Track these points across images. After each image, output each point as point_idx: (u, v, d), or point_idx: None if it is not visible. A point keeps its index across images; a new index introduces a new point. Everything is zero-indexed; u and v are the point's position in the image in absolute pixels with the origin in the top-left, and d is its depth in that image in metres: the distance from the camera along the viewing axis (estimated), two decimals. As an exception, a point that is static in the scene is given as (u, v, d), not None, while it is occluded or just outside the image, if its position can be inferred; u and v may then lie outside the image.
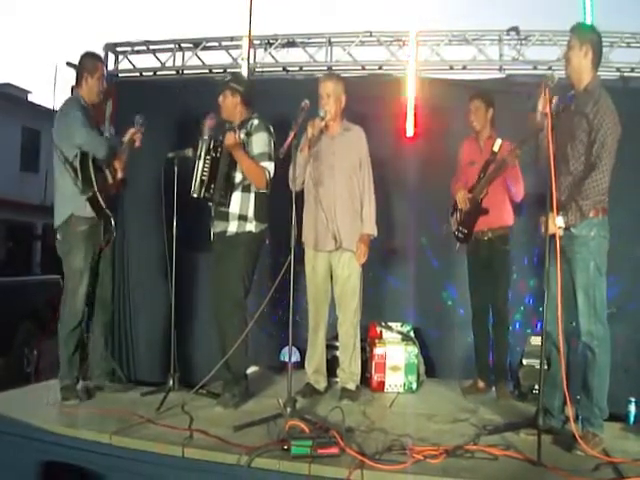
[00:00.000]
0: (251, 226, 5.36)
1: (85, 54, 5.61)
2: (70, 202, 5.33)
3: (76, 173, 5.26)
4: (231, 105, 5.50)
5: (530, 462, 3.86)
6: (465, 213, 5.81)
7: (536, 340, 5.67)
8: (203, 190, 5.30)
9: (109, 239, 5.56)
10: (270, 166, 5.34)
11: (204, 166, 5.31)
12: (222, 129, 5.45)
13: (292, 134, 4.82)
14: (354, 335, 5.67)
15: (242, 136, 5.40)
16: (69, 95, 5.69)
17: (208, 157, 5.31)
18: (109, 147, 5.42)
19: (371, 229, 5.61)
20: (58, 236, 5.43)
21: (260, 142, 5.37)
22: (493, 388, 5.83)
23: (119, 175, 5.60)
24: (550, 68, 6.47)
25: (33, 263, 13.52)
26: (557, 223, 4.22)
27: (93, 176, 5.29)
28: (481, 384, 5.92)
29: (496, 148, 5.58)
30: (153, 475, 4.04)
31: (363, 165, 5.61)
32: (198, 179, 5.32)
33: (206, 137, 5.33)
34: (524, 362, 5.78)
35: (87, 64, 5.57)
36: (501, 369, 5.81)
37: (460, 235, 5.88)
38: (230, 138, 5.28)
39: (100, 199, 5.34)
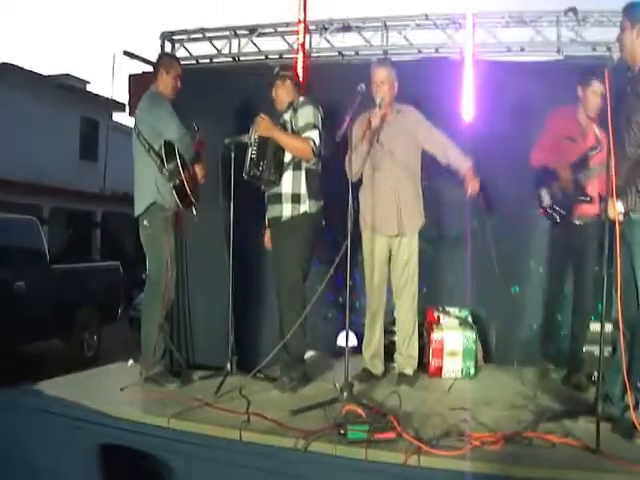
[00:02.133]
0: (305, 206, 5.37)
1: (163, 53, 5.91)
2: (153, 190, 5.43)
3: (162, 162, 5.35)
4: (283, 94, 5.56)
5: (589, 450, 3.78)
6: (566, 194, 5.48)
7: (596, 327, 5.54)
8: (253, 169, 5.31)
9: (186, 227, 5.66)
10: (314, 134, 5.31)
11: (253, 146, 5.34)
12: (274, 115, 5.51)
13: (348, 118, 4.80)
14: (412, 319, 5.66)
15: (288, 115, 5.44)
16: (126, 84, 5.82)
17: (257, 137, 5.34)
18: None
19: (468, 161, 5.49)
20: (145, 222, 5.50)
21: (305, 114, 5.37)
22: (554, 375, 5.76)
23: (200, 178, 5.69)
24: (609, 49, 6.36)
25: (93, 250, 13.78)
26: (617, 208, 4.14)
27: (180, 164, 5.36)
28: (547, 371, 5.84)
29: (598, 133, 5.34)
30: (211, 458, 4.06)
31: (422, 128, 5.59)
32: (248, 159, 5.36)
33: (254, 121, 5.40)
34: (584, 349, 5.68)
35: (163, 61, 5.76)
36: (579, 357, 5.68)
37: (556, 215, 5.57)
38: (260, 124, 5.32)
39: (187, 186, 5.41)
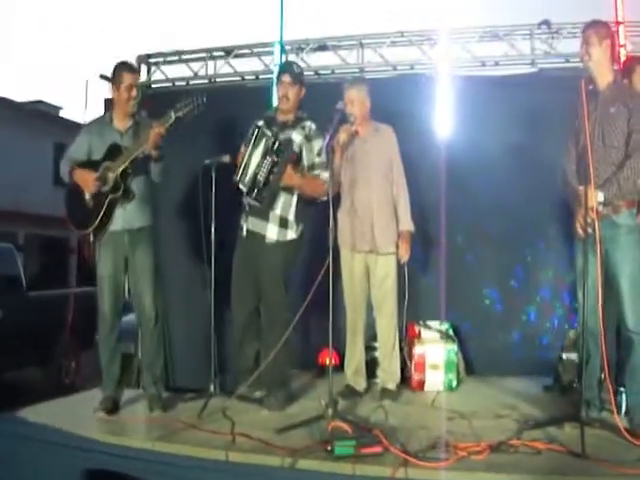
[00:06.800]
0: (292, 233, 5.37)
1: (115, 66, 5.44)
2: None
3: None
4: (296, 97, 5.47)
5: (574, 455, 3.80)
6: None
7: (575, 334, 5.61)
8: (255, 190, 5.22)
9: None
10: (327, 175, 5.07)
11: (262, 166, 5.20)
12: (276, 124, 5.45)
13: (328, 136, 4.83)
14: (393, 335, 5.66)
15: (299, 138, 5.37)
16: (101, 109, 5.74)
17: (268, 158, 5.18)
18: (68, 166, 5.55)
19: (409, 225, 5.61)
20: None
21: (319, 147, 5.33)
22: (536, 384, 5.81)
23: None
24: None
25: (69, 276, 13.62)
26: (597, 198, 4.15)
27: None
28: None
29: None
30: None
31: (394, 163, 5.62)
32: (250, 174, 5.27)
33: (269, 133, 5.25)
34: (563, 357, 5.71)
35: (113, 75, 5.43)
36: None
37: None
38: (291, 178, 5.24)
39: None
